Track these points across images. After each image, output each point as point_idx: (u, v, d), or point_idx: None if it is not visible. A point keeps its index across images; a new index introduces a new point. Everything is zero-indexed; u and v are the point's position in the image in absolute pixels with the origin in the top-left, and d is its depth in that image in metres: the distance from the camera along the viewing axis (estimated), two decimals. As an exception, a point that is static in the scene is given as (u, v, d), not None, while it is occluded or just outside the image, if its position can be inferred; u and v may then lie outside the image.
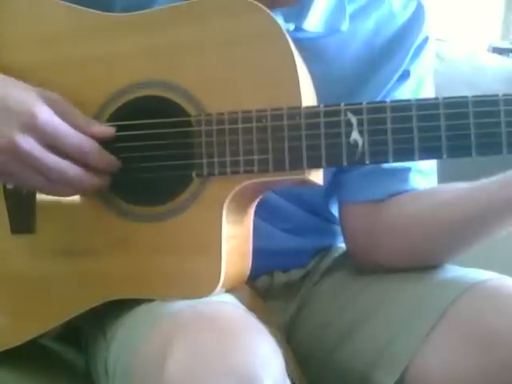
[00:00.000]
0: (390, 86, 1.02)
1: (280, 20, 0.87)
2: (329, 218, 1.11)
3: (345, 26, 0.99)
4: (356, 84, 1.00)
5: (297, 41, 0.85)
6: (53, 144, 0.82)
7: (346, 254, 1.10)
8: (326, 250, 1.12)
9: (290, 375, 0.77)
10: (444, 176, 1.06)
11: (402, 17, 1.03)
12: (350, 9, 1.00)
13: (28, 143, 0.81)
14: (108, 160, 0.86)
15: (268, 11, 0.84)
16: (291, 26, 0.95)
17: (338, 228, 1.09)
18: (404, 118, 0.81)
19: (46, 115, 0.82)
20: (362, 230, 1.02)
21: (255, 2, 0.84)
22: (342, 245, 1.11)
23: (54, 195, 0.87)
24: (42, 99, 0.83)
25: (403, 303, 0.93)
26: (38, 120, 0.81)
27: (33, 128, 0.81)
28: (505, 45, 3.14)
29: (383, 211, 1.01)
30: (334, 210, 1.09)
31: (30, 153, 0.81)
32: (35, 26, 0.92)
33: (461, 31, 3.00)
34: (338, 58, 1.00)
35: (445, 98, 0.81)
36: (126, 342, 0.81)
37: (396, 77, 1.02)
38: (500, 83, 1.59)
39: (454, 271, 0.96)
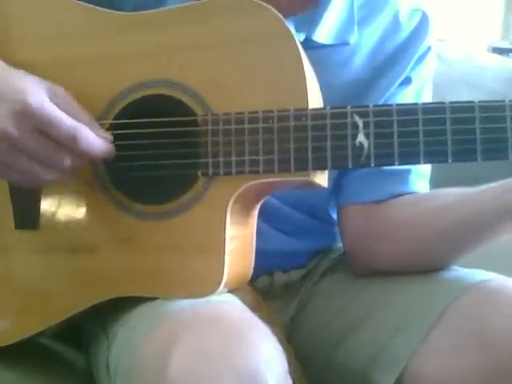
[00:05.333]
0: (391, 91, 1.02)
1: (291, 29, 0.86)
2: (329, 221, 1.10)
3: (353, 38, 1.00)
4: (358, 91, 1.00)
5: (304, 50, 0.85)
6: (45, 131, 0.81)
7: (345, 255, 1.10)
8: (326, 250, 1.12)
9: (291, 375, 0.76)
10: (442, 178, 1.06)
11: (408, 27, 1.04)
12: (358, 15, 1.00)
13: (19, 131, 0.80)
14: (102, 147, 0.84)
15: (276, 12, 0.84)
16: (301, 37, 0.94)
17: (337, 229, 1.08)
18: (410, 121, 0.81)
19: (38, 102, 0.80)
20: (361, 233, 1.02)
21: (264, 3, 0.84)
22: (341, 245, 1.11)
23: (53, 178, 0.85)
24: (37, 86, 0.82)
25: (403, 303, 0.94)
26: (30, 107, 0.80)
27: (25, 115, 0.80)
28: (505, 45, 3.15)
29: (381, 213, 1.01)
30: (333, 213, 1.09)
31: (22, 140, 0.80)
32: (44, 23, 0.92)
33: (461, 31, 3.00)
34: (343, 69, 1.00)
35: (451, 103, 0.81)
36: (127, 341, 0.81)
37: (397, 83, 1.03)
38: (500, 83, 1.59)
39: (454, 271, 0.96)
